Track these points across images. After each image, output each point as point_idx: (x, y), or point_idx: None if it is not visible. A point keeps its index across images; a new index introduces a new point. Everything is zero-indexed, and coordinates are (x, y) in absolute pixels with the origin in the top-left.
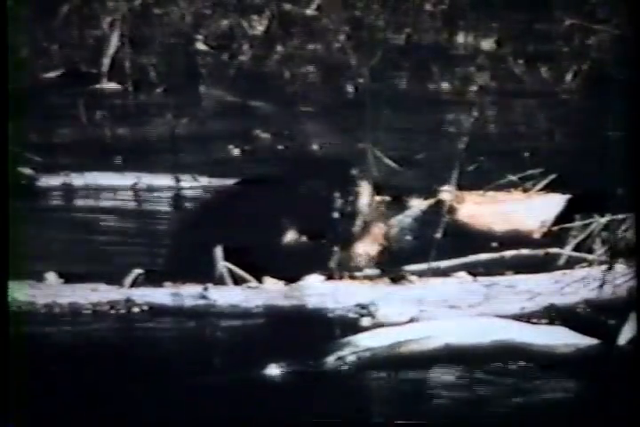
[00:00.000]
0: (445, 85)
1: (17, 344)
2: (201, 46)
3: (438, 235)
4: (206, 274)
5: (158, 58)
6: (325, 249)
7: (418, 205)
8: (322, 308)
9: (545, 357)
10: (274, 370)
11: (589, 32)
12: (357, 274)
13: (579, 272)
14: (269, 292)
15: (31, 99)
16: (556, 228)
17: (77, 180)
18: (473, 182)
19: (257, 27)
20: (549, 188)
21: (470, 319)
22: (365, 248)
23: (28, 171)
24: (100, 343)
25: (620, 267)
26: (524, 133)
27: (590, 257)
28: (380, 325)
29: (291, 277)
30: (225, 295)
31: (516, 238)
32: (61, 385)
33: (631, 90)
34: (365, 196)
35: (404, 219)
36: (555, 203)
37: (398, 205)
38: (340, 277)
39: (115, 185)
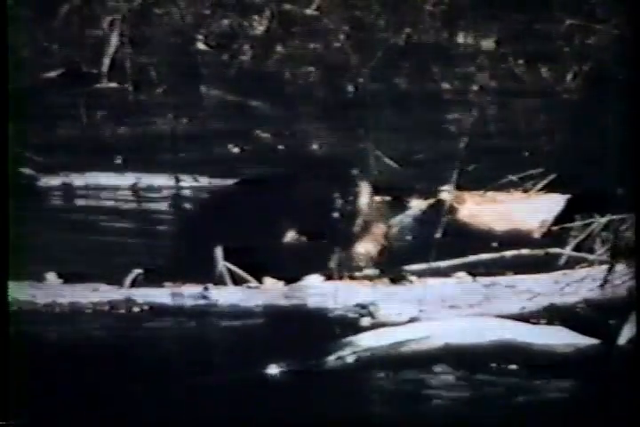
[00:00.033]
0: (445, 85)
1: (17, 344)
2: (201, 46)
3: (438, 235)
4: (206, 274)
5: (158, 58)
6: (325, 249)
7: (418, 205)
8: (322, 308)
9: (545, 357)
10: (274, 370)
11: (589, 32)
12: (357, 274)
13: (579, 272)
14: (269, 292)
15: (31, 99)
16: (556, 228)
17: (77, 180)
18: (473, 182)
19: (257, 27)
20: (549, 188)
21: (470, 319)
22: (365, 248)
23: (28, 171)
24: (100, 343)
25: (620, 267)
26: (524, 133)
27: (590, 257)
28: (380, 325)
29: (291, 278)
30: (225, 295)
31: (516, 238)
32: (61, 385)
33: (631, 90)
34: (365, 195)
35: (405, 219)
36: (555, 203)
37: (398, 205)
38: (340, 278)
39: (115, 185)
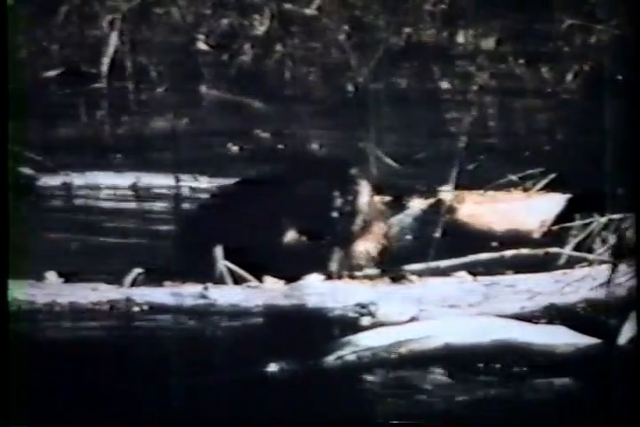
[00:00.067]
0: (445, 85)
1: (17, 344)
2: (201, 46)
3: (438, 234)
4: (206, 274)
5: (158, 57)
6: (325, 249)
7: (418, 204)
8: (322, 307)
9: (545, 356)
10: (274, 369)
11: (589, 32)
12: (357, 274)
13: (579, 272)
14: (269, 291)
15: (31, 98)
16: (555, 227)
17: (77, 179)
18: (473, 182)
19: (258, 27)
20: (549, 187)
21: (470, 319)
22: (365, 247)
23: (28, 171)
24: (100, 343)
25: (621, 266)
26: (524, 133)
27: (590, 257)
28: (380, 324)
29: (291, 277)
30: (225, 295)
31: (515, 238)
32: (61, 385)
33: (631, 90)
34: (365, 195)
35: (405, 218)
36: (555, 202)
37: (398, 204)
38: (340, 277)
39: (115, 185)
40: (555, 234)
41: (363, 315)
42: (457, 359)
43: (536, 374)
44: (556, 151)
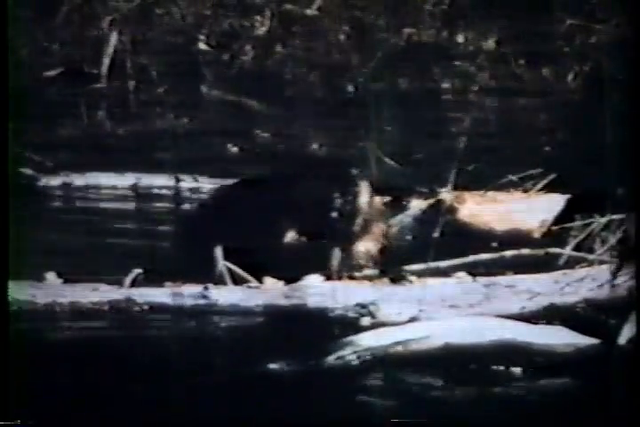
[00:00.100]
0: (445, 85)
1: (17, 344)
2: (202, 46)
3: (438, 234)
4: (206, 274)
5: (158, 58)
6: (325, 249)
7: (418, 204)
8: (322, 307)
9: (545, 357)
10: (274, 369)
11: (590, 32)
12: (357, 274)
13: (579, 272)
14: (269, 291)
15: (31, 98)
16: (556, 227)
17: (77, 180)
18: (473, 182)
19: (259, 27)
20: (549, 188)
21: (470, 319)
22: (365, 247)
23: (28, 171)
24: (100, 343)
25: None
26: (524, 133)
27: (590, 257)
28: (380, 324)
29: (291, 277)
30: (225, 295)
31: (516, 238)
32: (61, 385)
33: (631, 90)
34: (365, 195)
35: (404, 218)
36: (555, 203)
37: (398, 204)
38: (340, 278)
39: (115, 185)
40: (555, 234)
41: (363, 315)
42: (457, 359)
43: (536, 374)
44: (556, 151)
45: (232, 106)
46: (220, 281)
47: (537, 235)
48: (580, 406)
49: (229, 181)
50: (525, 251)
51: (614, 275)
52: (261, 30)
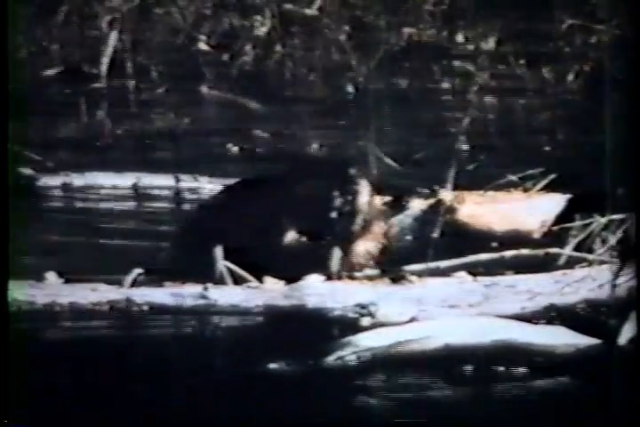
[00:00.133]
0: (445, 85)
1: (17, 344)
2: (202, 46)
3: (437, 234)
4: (206, 274)
5: (158, 57)
6: (325, 249)
7: (418, 204)
8: (322, 308)
9: (545, 357)
10: (274, 370)
11: (590, 32)
12: (357, 274)
13: (579, 272)
14: (269, 292)
15: (31, 98)
16: (556, 228)
17: (77, 180)
18: (473, 182)
19: (259, 27)
20: (549, 188)
21: (470, 319)
22: (365, 247)
23: (28, 171)
24: (100, 343)
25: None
26: (524, 133)
27: (590, 257)
28: (380, 325)
29: (291, 277)
30: (225, 295)
31: (516, 238)
32: (61, 385)
33: (631, 90)
34: (365, 195)
35: (405, 218)
36: (555, 203)
37: (398, 204)
38: (340, 278)
39: (115, 185)
40: (555, 234)
41: (363, 315)
42: (457, 360)
43: (536, 374)
44: (556, 151)
45: (232, 106)
46: (220, 281)
47: (537, 235)
48: (580, 406)
49: (229, 181)
50: (525, 251)
51: (615, 275)
52: (261, 30)
